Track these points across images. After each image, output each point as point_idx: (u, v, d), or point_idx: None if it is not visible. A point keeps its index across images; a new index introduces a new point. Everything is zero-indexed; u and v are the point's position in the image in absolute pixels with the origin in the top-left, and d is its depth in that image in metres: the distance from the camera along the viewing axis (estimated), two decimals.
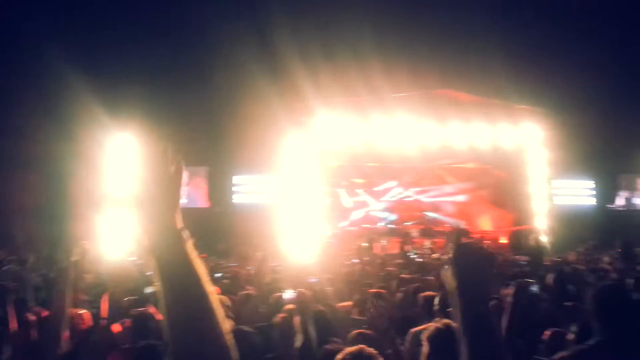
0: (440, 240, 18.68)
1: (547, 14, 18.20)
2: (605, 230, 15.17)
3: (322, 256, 14.20)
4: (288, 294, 3.67)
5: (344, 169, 19.76)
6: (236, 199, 18.51)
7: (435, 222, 20.68)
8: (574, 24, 17.62)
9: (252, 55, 15.59)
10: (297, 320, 3.25)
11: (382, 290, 4.79)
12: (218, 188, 18.25)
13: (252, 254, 13.64)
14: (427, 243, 17.97)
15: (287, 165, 17.16)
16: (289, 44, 15.16)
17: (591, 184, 20.41)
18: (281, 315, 3.60)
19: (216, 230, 15.78)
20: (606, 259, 7.57)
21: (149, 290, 4.90)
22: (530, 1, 19.07)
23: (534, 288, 3.99)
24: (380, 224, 20.08)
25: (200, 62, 16.73)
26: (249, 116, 15.76)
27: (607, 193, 20.13)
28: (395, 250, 17.15)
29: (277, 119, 15.57)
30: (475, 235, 19.19)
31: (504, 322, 3.03)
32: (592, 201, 20.38)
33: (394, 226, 19.63)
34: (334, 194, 20.01)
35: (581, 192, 20.53)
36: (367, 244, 16.58)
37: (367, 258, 11.32)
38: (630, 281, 5.36)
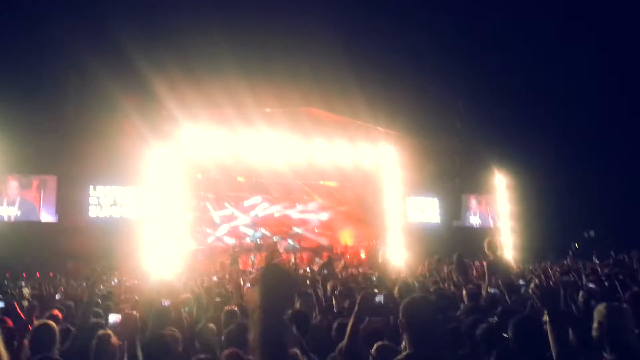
0: (306, 256, 19.21)
1: (402, 44, 19.96)
2: (451, 244, 16.87)
3: (185, 273, 13.75)
4: (112, 318, 3.38)
5: (210, 183, 19.40)
6: (92, 212, 17.01)
7: (301, 237, 21.20)
8: (426, 54, 19.57)
9: (111, 64, 14.75)
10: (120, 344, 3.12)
11: (233, 307, 4.79)
12: (70, 200, 16.59)
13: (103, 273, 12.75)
14: (292, 258, 18.32)
15: (150, 177, 16.32)
16: (149, 54, 14.68)
17: (437, 202, 22.55)
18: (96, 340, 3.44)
19: (64, 247, 14.43)
20: (445, 270, 8.42)
21: None
22: (383, 31, 20.74)
23: (379, 298, 4.26)
24: (248, 240, 20.03)
25: (51, 64, 15.36)
26: (106, 124, 14.79)
27: (451, 211, 22.39)
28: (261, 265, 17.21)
29: (138, 129, 14.79)
30: (338, 250, 20.10)
31: (348, 330, 3.16)
32: (438, 218, 22.50)
33: (260, 242, 19.70)
34: (201, 208, 19.53)
35: (430, 210, 22.56)
36: (233, 260, 16.40)
37: (228, 275, 11.18)
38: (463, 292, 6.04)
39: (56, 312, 5.27)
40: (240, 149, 17.48)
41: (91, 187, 17.02)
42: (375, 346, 3.11)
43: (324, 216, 21.93)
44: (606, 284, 6.18)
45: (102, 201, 17.23)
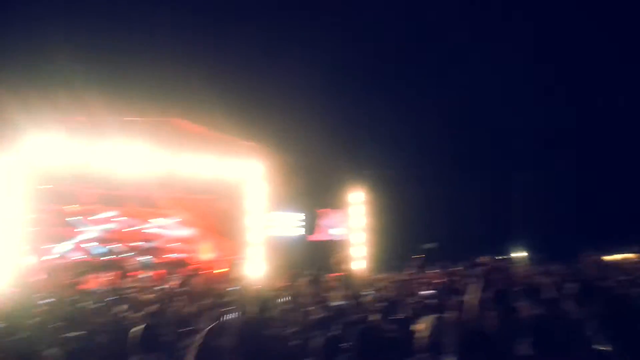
0: (161, 272, 18.40)
1: (265, 58, 20.41)
2: (310, 257, 17.50)
3: (26, 293, 12.37)
4: None
5: (60, 194, 17.71)
6: None
7: (158, 252, 20.30)
8: (290, 68, 20.24)
9: None
10: None
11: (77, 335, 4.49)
12: None
13: None
14: (145, 276, 17.46)
15: None
16: None
17: (298, 216, 23.23)
18: None
19: None
20: (301, 284, 8.75)
21: None
22: (247, 42, 21.07)
23: (231, 316, 4.32)
24: (96, 256, 18.62)
25: None
26: None
27: (310, 225, 23.21)
28: (111, 284, 16.11)
29: None
30: (198, 265, 19.61)
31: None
32: (298, 232, 23.17)
33: (111, 258, 18.44)
34: (44, 221, 17.68)
35: (290, 224, 23.13)
36: (77, 278, 15.10)
37: (73, 295, 10.31)
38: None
39: None
40: (96, 159, 16.21)
41: None
42: None
43: (184, 230, 21.30)
44: (437, 292, 6.97)
45: None
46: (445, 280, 9.40)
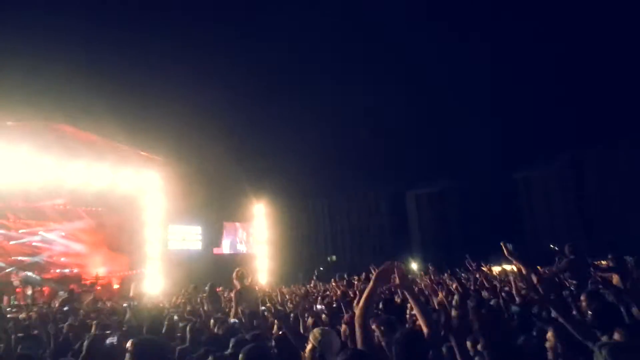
0: (46, 289, 17.05)
1: (165, 63, 19.85)
2: (212, 271, 17.10)
3: None
4: None
5: None
6: None
7: (43, 267, 18.74)
8: (196, 80, 19.85)
9: None
10: None
11: None
12: None
13: None
14: (29, 293, 16.07)
15: None
16: None
17: (199, 229, 22.73)
18: None
19: None
20: (198, 299, 8.60)
21: None
22: (142, 47, 20.45)
23: (112, 339, 4.14)
24: None
25: None
26: None
27: (213, 238, 22.81)
28: None
29: None
30: (88, 281, 18.38)
31: None
32: (199, 246, 22.65)
33: None
34: None
35: (191, 237, 22.55)
36: None
37: None
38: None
39: None
40: None
41: None
42: None
43: (73, 243, 19.88)
44: (334, 305, 7.19)
45: None
46: (341, 293, 9.68)
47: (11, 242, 18.52)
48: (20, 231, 18.72)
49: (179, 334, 5.38)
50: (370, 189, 40.31)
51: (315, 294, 10.42)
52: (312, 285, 13.69)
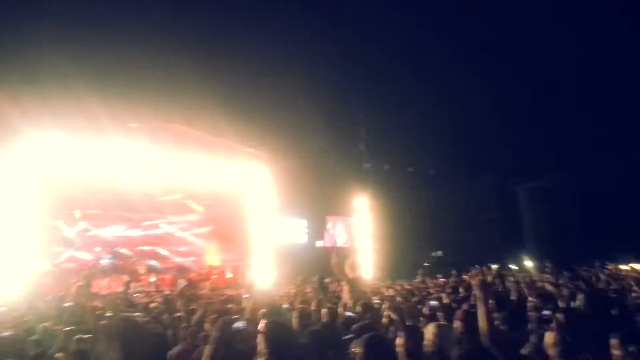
0: (168, 277, 18.42)
1: (273, 65, 20.48)
2: (316, 264, 17.39)
3: (34, 297, 12.42)
4: None
5: (64, 199, 17.78)
6: None
7: (164, 257, 20.32)
8: (295, 76, 20.32)
9: None
10: None
11: (85, 338, 4.49)
12: None
13: None
14: (153, 280, 17.52)
15: None
16: None
17: (305, 223, 23.22)
18: None
19: None
20: (309, 290, 8.73)
21: None
22: (254, 51, 21.21)
23: (240, 324, 4.31)
24: (104, 260, 18.66)
25: None
26: None
27: (316, 232, 23.20)
28: (119, 288, 16.18)
29: None
30: (204, 270, 19.62)
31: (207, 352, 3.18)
32: (305, 239, 23.15)
33: (118, 262, 18.49)
34: (51, 226, 17.75)
35: (297, 231, 23.13)
36: (85, 283, 15.12)
37: (84, 300, 10.30)
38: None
39: None
40: (101, 164, 16.28)
41: None
42: None
43: (190, 236, 21.32)
44: (446, 301, 6.93)
45: None
46: (452, 289, 9.34)
47: (137, 234, 20.32)
48: (143, 223, 20.46)
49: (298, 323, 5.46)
50: (476, 181, 38.65)
51: (425, 290, 10.15)
52: (419, 280, 13.39)
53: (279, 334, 2.61)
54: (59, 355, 4.45)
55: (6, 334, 4.64)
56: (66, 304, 9.13)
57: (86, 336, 4.60)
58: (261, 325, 2.70)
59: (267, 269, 19.08)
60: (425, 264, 18.46)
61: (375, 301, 7.26)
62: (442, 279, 12.66)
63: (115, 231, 19.78)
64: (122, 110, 15.52)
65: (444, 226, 37.43)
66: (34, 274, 15.63)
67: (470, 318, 4.71)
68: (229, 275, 19.78)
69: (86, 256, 18.65)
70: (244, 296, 8.14)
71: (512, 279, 10.51)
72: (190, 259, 20.87)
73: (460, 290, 9.25)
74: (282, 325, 2.80)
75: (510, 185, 40.31)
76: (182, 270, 19.15)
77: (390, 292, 9.29)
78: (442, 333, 3.87)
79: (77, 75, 14.70)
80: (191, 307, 6.15)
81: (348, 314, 6.34)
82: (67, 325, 5.89)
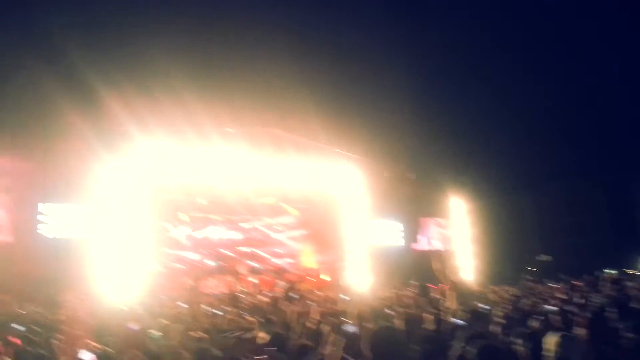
0: (266, 279, 19.04)
1: (364, 64, 20.45)
2: (412, 267, 17.10)
3: (147, 297, 13.41)
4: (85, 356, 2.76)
5: (170, 203, 19.00)
6: (42, 230, 16.10)
7: (262, 259, 21.01)
8: (387, 77, 20.11)
9: (64, 79, 14.45)
10: None
11: (205, 336, 4.72)
12: (18, 219, 15.72)
13: (62, 297, 12.26)
14: (254, 280, 18.18)
15: (107, 195, 15.78)
16: (104, 70, 14.52)
17: (400, 226, 22.87)
18: None
19: (19, 268, 13.73)
20: (408, 294, 8.57)
21: None
22: (348, 52, 21.27)
23: (351, 327, 4.32)
24: (209, 262, 19.68)
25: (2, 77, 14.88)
26: (59, 140, 14.33)
27: (410, 234, 22.76)
28: (224, 288, 16.97)
29: (92, 146, 14.33)
30: (301, 272, 20.03)
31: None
32: (401, 242, 22.79)
33: (222, 263, 19.40)
34: (162, 229, 19.06)
35: (392, 233, 22.83)
36: (194, 283, 16.09)
37: (195, 299, 10.98)
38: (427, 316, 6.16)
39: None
40: (200, 168, 17.22)
41: (40, 204, 16.15)
42: None
43: (286, 238, 21.85)
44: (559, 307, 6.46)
45: (54, 220, 16.39)
46: (566, 295, 8.71)
47: (235, 237, 21.19)
48: (242, 225, 21.27)
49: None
50: (585, 179, 35.78)
51: (535, 295, 9.58)
52: (526, 285, 12.67)
53: (387, 339, 2.56)
54: (180, 353, 4.71)
55: (134, 327, 5.01)
56: (180, 304, 9.77)
57: (204, 335, 4.85)
58: (368, 329, 2.67)
59: (362, 272, 19.05)
60: (530, 268, 17.38)
61: (481, 307, 6.96)
62: (551, 284, 11.85)
63: (216, 233, 20.76)
64: (222, 114, 16.28)
65: (549, 229, 35.05)
66: (149, 275, 16.86)
67: (596, 326, 4.36)
68: (324, 277, 20.01)
69: (193, 257, 19.75)
70: (341, 298, 8.19)
71: (630, 284, 9.63)
72: (287, 260, 21.38)
73: (573, 295, 8.63)
74: (392, 330, 2.74)
75: (622, 180, 36.86)
76: (280, 271, 19.68)
77: (497, 297, 8.86)
78: (566, 343, 3.65)
79: (182, 80, 15.67)
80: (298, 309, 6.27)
81: (454, 320, 6.14)
82: (183, 324, 6.28)
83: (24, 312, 9.19)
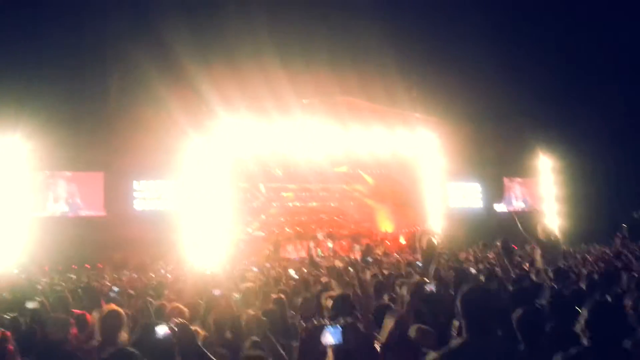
0: (343, 243, 19.26)
1: (440, 26, 19.49)
2: (494, 229, 16.45)
3: (230, 263, 14.06)
4: (161, 331, 2.71)
5: (251, 174, 19.58)
6: (137, 205, 17.51)
7: (339, 225, 21.24)
8: (464, 38, 19.08)
9: (151, 58, 15.03)
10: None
11: (282, 296, 4.81)
12: (116, 194, 17.10)
13: (151, 263, 13.16)
14: (330, 245, 18.48)
15: (190, 170, 16.65)
16: (188, 47, 14.87)
17: (478, 187, 22.07)
18: None
19: (112, 239, 14.94)
20: (491, 256, 8.26)
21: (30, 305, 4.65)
22: (423, 13, 20.32)
23: (430, 287, 4.23)
24: (288, 229, 20.20)
25: (95, 62, 15.78)
26: (148, 120, 15.13)
27: (493, 195, 21.86)
28: (303, 254, 17.42)
29: (178, 123, 15.04)
30: (378, 236, 20.05)
31: (399, 317, 3.15)
32: (480, 203, 22.02)
33: (300, 230, 19.84)
34: (242, 199, 19.76)
35: (471, 195, 22.10)
36: (275, 249, 16.63)
37: (273, 264, 11.33)
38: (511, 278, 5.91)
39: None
40: (277, 139, 17.50)
41: (135, 181, 17.51)
42: (415, 329, 3.06)
43: (362, 204, 21.86)
44: None
45: (146, 195, 17.72)
46: None
47: (313, 204, 21.53)
48: (320, 194, 21.53)
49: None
50: None
51: (625, 255, 8.90)
52: (618, 244, 11.83)
53: (477, 299, 2.44)
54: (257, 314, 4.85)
55: (217, 292, 5.22)
56: (255, 269, 10.13)
57: (282, 295, 4.96)
58: (459, 290, 2.57)
59: (439, 234, 18.70)
60: (623, 225, 16.11)
61: (566, 265, 6.58)
62: None
63: (294, 201, 21.19)
64: (303, 85, 16.27)
65: None
66: (230, 242, 17.68)
67: None
68: (402, 241, 19.89)
69: (272, 225, 20.35)
70: (424, 260, 8.03)
71: None
72: (364, 225, 21.45)
73: None
74: (481, 290, 2.61)
75: None
76: (357, 236, 19.80)
77: (585, 256, 8.34)
78: None
79: (263, 51, 15.79)
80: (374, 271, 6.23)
81: (538, 279, 5.85)
82: (264, 286, 6.50)
83: (120, 278, 9.93)
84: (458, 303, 2.45)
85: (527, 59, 20.33)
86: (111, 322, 3.60)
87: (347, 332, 2.46)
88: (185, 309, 4.39)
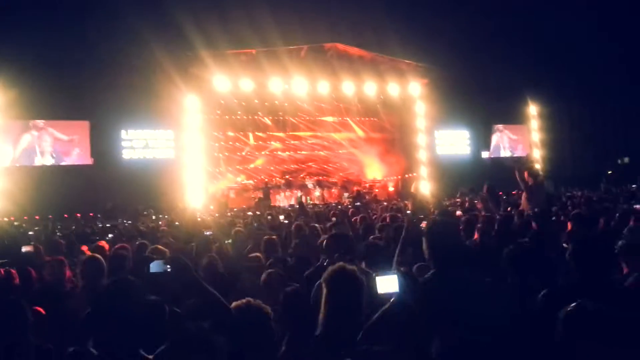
0: (332, 191, 19.47)
1: None
2: (481, 176, 16.66)
3: (219, 209, 14.24)
4: (154, 267, 2.61)
5: (237, 122, 19.46)
6: (125, 154, 17.36)
7: (327, 173, 21.35)
8: None
9: (137, 4, 14.48)
10: None
11: (274, 237, 4.94)
12: (103, 144, 16.90)
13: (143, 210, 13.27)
14: (319, 193, 18.70)
15: (180, 118, 16.53)
16: None
17: (467, 134, 22.16)
18: None
19: (101, 189, 14.96)
20: (477, 201, 8.45)
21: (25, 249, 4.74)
22: None
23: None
24: (277, 176, 20.28)
25: (78, 8, 15.15)
26: (135, 68, 14.78)
27: (481, 142, 22.01)
28: (292, 201, 17.63)
29: (165, 71, 14.72)
30: (367, 184, 20.25)
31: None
32: (467, 150, 22.18)
33: (290, 178, 19.95)
34: (230, 148, 19.73)
35: (459, 142, 22.22)
36: (264, 196, 16.77)
37: (264, 211, 11.48)
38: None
39: (102, 243, 5.59)
40: (266, 87, 17.27)
41: (123, 130, 17.28)
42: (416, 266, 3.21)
43: (352, 152, 21.90)
44: None
45: (134, 144, 17.55)
46: None
47: (302, 152, 21.51)
48: (309, 142, 21.48)
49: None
50: None
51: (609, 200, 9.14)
52: (602, 189, 12.10)
53: (443, 233, 2.55)
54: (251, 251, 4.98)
55: (208, 232, 5.35)
56: (249, 213, 10.27)
57: (274, 236, 5.11)
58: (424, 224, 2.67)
59: (428, 182, 18.94)
60: (609, 172, 16.44)
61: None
62: (634, 187, 11.22)
63: (283, 150, 21.15)
64: (288, 30, 15.85)
65: (631, 130, 32.52)
66: (220, 190, 17.81)
67: None
68: (391, 188, 20.13)
69: (261, 173, 20.40)
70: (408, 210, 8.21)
71: None
72: (353, 172, 21.58)
73: None
74: (448, 224, 2.71)
75: None
76: (346, 184, 19.98)
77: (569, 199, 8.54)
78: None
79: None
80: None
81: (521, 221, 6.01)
82: (257, 230, 6.65)
83: (115, 225, 10.02)
84: (424, 237, 2.57)
85: (517, 5, 19.87)
86: (92, 267, 3.68)
87: (404, 280, 2.25)
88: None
